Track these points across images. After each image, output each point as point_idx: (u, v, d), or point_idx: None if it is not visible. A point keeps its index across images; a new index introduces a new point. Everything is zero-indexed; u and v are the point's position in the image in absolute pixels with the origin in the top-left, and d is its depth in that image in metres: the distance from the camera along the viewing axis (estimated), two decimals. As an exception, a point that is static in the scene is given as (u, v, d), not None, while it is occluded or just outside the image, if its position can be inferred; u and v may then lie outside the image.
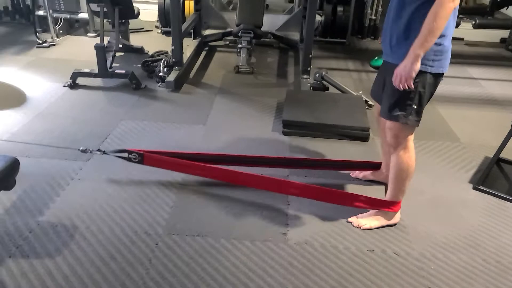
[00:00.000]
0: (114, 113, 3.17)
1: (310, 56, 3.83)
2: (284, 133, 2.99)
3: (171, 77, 3.67)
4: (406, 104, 1.84)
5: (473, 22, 4.65)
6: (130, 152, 2.32)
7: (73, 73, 3.59)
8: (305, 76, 3.86)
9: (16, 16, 5.45)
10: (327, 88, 3.66)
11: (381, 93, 2.02)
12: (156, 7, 5.16)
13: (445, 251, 2.00)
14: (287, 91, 3.47)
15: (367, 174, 2.51)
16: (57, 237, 1.96)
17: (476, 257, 1.97)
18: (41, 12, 4.87)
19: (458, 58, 4.88)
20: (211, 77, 4.03)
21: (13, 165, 1.69)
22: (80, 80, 3.65)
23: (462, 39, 5.60)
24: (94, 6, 3.88)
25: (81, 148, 2.34)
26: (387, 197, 2.14)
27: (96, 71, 3.58)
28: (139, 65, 4.02)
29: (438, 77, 1.82)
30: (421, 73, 1.75)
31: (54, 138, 2.79)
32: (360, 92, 3.52)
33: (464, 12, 5.23)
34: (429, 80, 1.79)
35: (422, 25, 1.63)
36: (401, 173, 2.03)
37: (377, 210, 2.16)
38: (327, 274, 1.84)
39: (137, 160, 2.33)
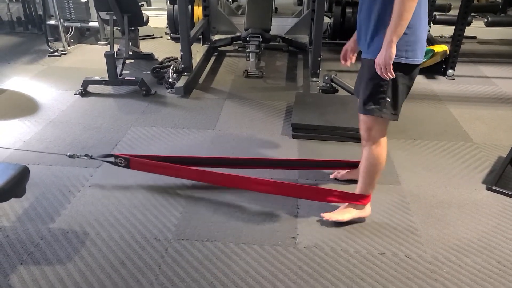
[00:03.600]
0: (124, 120, 3.20)
1: (319, 58, 3.82)
2: (294, 137, 2.98)
3: (180, 83, 3.69)
4: (379, 98, 1.83)
5: (485, 20, 4.57)
6: (116, 156, 2.35)
7: (84, 81, 3.63)
8: (314, 79, 3.85)
9: (29, 26, 5.55)
10: (337, 91, 3.64)
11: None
12: (165, 13, 5.20)
13: (458, 254, 1.96)
14: (296, 94, 3.46)
15: (344, 174, 2.49)
16: (68, 244, 1.97)
17: (491, 260, 1.93)
18: (52, 22, 4.95)
19: (471, 57, 4.82)
20: (220, 82, 4.04)
21: (23, 173, 1.70)
22: (91, 88, 3.69)
23: (474, 37, 5.53)
24: (103, 15, 3.93)
25: (68, 154, 2.38)
26: (357, 191, 2.12)
27: (107, 78, 3.62)
28: (149, 72, 4.05)
29: (412, 68, 1.80)
30: (395, 64, 1.72)
31: (66, 146, 2.82)
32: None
33: (476, 10, 5.16)
34: (402, 72, 1.77)
35: (390, 17, 1.63)
36: (371, 167, 2.02)
37: (347, 204, 2.15)
38: (337, 278, 1.82)
39: (123, 164, 2.36)
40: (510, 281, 1.82)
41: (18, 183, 1.67)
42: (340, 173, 2.51)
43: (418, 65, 1.81)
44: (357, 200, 2.12)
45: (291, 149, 2.85)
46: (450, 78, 4.17)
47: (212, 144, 2.89)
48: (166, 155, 2.55)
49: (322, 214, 2.15)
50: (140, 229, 2.08)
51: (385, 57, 1.68)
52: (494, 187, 2.42)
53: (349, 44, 2.12)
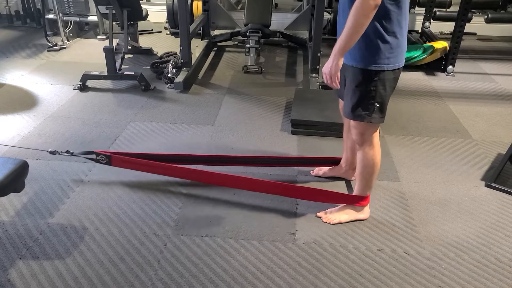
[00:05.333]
0: (124, 115, 3.19)
1: (319, 54, 3.81)
2: (293, 133, 2.98)
3: (179, 78, 3.68)
4: (368, 104, 1.83)
5: (486, 17, 4.57)
6: (97, 153, 2.35)
7: (83, 75, 3.62)
8: (314, 75, 3.84)
9: (27, 20, 5.53)
10: (336, 86, 3.62)
11: (341, 90, 2.01)
12: (164, 8, 5.18)
13: (457, 250, 1.97)
14: (296, 90, 3.46)
15: (326, 171, 2.49)
16: (67, 239, 1.97)
17: (489, 256, 1.94)
18: (51, 16, 4.92)
19: (471, 54, 4.82)
20: (220, 77, 4.03)
21: (22, 168, 1.70)
22: (90, 83, 3.68)
23: (474, 34, 5.52)
24: (103, 9, 3.90)
25: (49, 150, 2.37)
26: (355, 192, 2.13)
27: (106, 73, 3.60)
28: (148, 67, 4.04)
29: (396, 71, 1.81)
30: (379, 72, 1.75)
31: (65, 141, 2.81)
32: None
33: (476, 7, 5.14)
34: (387, 77, 1.78)
35: (371, 25, 1.62)
36: (368, 169, 2.02)
37: (345, 204, 2.15)
38: (336, 274, 1.82)
39: (104, 161, 2.35)
40: (508, 278, 1.82)
41: (17, 177, 1.66)
42: (322, 170, 2.50)
43: (401, 68, 1.81)
44: (355, 202, 2.12)
45: (290, 145, 2.85)
46: (450, 74, 4.17)
47: (211, 139, 2.89)
48: (149, 153, 2.55)
49: (318, 214, 2.15)
50: (139, 224, 2.08)
51: (332, 68, 1.69)
52: (493, 184, 2.42)
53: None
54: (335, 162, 2.49)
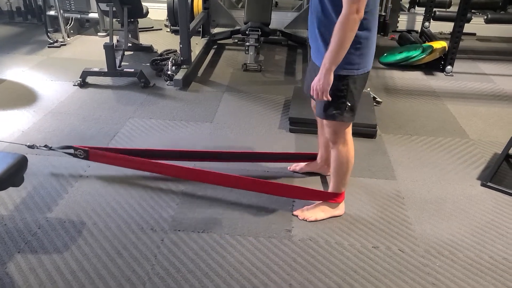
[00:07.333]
0: (123, 111, 3.21)
1: (318, 53, 3.82)
2: (291, 130, 2.99)
3: (179, 76, 3.70)
4: (340, 103, 1.85)
5: (485, 17, 4.58)
6: (75, 148, 2.37)
7: (83, 72, 3.63)
8: (313, 73, 3.85)
9: (28, 16, 5.54)
10: (335, 85, 3.64)
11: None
12: (165, 6, 5.19)
13: (451, 248, 1.99)
14: (295, 88, 3.47)
15: (303, 166, 2.52)
16: (65, 233, 1.99)
17: (483, 255, 1.95)
18: (52, 12, 4.93)
19: (470, 54, 4.83)
20: (219, 75, 4.04)
21: (21, 162, 1.72)
22: (90, 79, 3.70)
23: (474, 34, 5.53)
24: (103, 6, 3.92)
25: (28, 144, 2.39)
26: (330, 189, 2.15)
27: (106, 70, 3.62)
28: (148, 64, 4.06)
29: (365, 75, 1.84)
30: (348, 76, 1.77)
31: (64, 137, 2.83)
32: (368, 89, 3.50)
33: (476, 7, 5.16)
34: (357, 79, 1.81)
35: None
36: (342, 166, 2.05)
37: (321, 201, 2.17)
38: (331, 270, 1.84)
39: (82, 156, 2.37)
40: (502, 276, 1.84)
41: (16, 172, 1.68)
42: (299, 166, 2.53)
43: (369, 71, 1.85)
44: (332, 198, 2.14)
45: (288, 143, 2.86)
46: (449, 74, 4.18)
47: (209, 136, 2.91)
48: (127, 148, 2.59)
49: (294, 213, 2.17)
50: (136, 219, 2.10)
51: (323, 84, 1.71)
52: (488, 183, 2.44)
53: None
54: (312, 157, 2.53)
